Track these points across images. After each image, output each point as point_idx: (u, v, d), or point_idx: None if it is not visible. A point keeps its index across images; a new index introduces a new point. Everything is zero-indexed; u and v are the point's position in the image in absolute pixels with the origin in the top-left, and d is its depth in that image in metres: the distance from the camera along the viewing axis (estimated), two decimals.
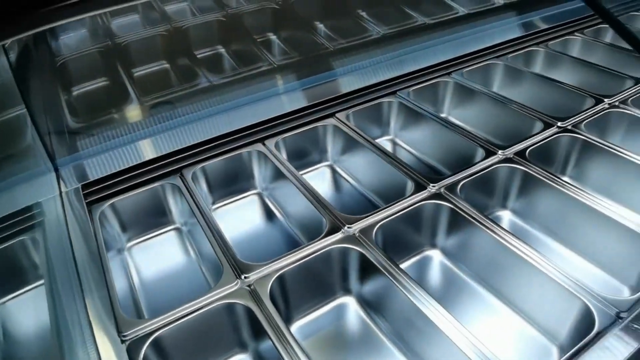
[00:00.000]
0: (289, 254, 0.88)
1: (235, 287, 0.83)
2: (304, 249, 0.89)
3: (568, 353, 0.70)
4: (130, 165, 1.11)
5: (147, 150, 1.14)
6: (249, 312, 0.79)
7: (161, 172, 1.12)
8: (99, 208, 1.04)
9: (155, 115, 1.16)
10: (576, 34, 1.68)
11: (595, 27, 1.74)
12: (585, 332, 0.73)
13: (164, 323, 0.77)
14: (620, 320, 0.74)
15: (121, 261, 1.08)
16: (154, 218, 1.13)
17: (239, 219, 1.17)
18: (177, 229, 1.14)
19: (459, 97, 1.42)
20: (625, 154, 1.08)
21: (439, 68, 1.47)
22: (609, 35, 1.75)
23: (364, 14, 1.58)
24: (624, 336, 0.72)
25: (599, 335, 0.72)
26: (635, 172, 1.07)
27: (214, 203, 1.20)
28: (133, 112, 1.22)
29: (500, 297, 0.94)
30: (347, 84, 1.36)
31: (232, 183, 1.20)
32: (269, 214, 1.19)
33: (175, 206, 1.13)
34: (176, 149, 1.14)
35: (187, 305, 0.80)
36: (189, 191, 1.07)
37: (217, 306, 0.80)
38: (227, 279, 0.84)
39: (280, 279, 0.85)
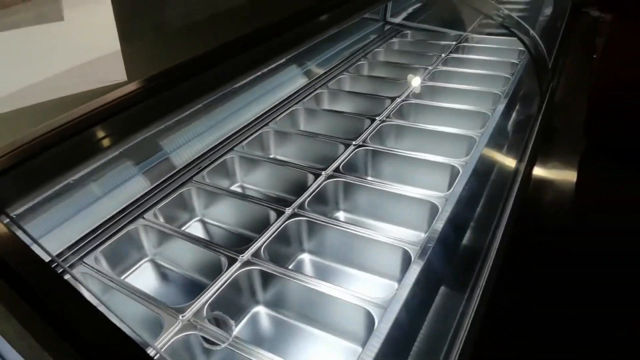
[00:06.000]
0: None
1: None
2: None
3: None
4: None
5: None
6: None
7: None
8: None
9: None
10: (344, 72, 2.25)
11: (355, 64, 2.34)
12: None
13: None
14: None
15: None
16: None
17: None
18: None
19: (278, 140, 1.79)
20: (401, 152, 1.59)
21: (258, 121, 1.82)
22: (365, 69, 2.37)
23: None
24: None
25: None
26: (412, 163, 1.58)
27: None
28: None
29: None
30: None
31: None
32: None
33: None
34: None
35: None
36: None
37: None
38: None
39: None
